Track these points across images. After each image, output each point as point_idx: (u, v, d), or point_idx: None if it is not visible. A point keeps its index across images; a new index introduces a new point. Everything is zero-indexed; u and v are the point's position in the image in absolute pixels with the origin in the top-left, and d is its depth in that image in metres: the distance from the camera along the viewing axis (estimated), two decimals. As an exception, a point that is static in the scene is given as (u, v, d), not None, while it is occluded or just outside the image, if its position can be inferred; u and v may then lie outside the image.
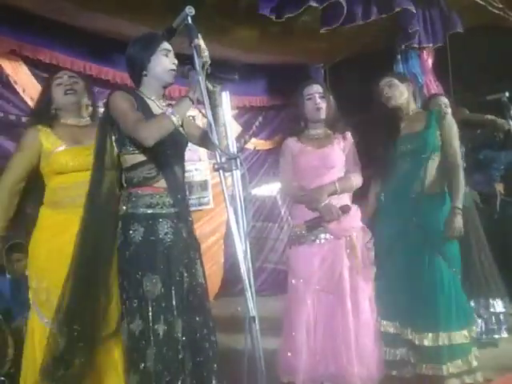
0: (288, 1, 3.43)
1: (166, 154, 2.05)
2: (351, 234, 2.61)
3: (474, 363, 2.54)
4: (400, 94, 2.73)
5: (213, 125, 1.79)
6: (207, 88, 1.90)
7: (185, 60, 1.94)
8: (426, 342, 2.52)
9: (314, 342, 2.52)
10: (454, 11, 4.28)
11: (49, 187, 2.26)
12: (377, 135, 2.81)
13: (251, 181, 5.11)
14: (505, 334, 3.25)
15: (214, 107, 1.98)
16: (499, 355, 3.03)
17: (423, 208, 2.62)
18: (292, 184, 2.71)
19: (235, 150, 1.84)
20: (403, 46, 4.36)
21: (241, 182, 1.76)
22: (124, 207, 2.03)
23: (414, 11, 3.80)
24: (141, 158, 2.02)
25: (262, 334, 1.66)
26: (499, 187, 3.72)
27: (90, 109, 2.41)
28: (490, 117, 3.59)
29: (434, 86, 4.52)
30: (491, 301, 3.24)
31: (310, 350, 2.51)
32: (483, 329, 3.21)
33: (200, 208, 4.98)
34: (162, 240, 2.00)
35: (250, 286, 1.66)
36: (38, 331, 2.16)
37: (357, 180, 2.68)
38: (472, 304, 3.09)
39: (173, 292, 1.98)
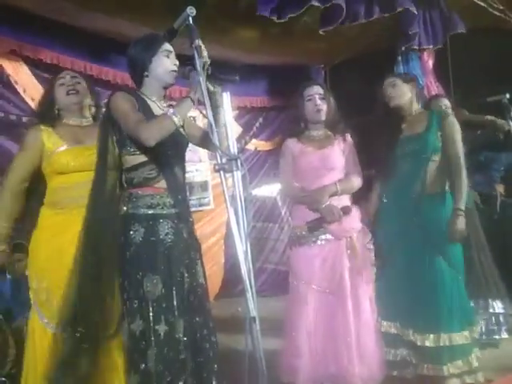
0: (289, 1, 3.44)
1: (167, 154, 2.05)
2: (352, 234, 2.61)
3: (475, 364, 2.54)
4: (402, 94, 2.72)
5: (213, 126, 1.79)
6: (208, 89, 1.90)
7: (186, 61, 1.94)
8: (428, 343, 2.52)
9: (315, 343, 2.52)
10: (454, 12, 4.28)
11: (50, 187, 2.26)
12: (379, 136, 2.81)
13: (252, 181, 5.11)
14: (505, 335, 3.25)
15: (215, 108, 1.98)
16: (500, 356, 3.03)
17: (424, 208, 2.61)
18: (292, 185, 2.71)
19: (236, 150, 1.83)
20: (403, 48, 4.36)
21: (241, 183, 1.75)
22: (124, 208, 2.03)
23: (416, 12, 3.81)
24: (141, 158, 2.03)
25: (262, 335, 1.66)
26: (499, 188, 3.72)
27: (93, 109, 2.41)
28: (489, 117, 3.59)
29: (435, 88, 4.53)
30: (490, 301, 3.24)
31: (310, 350, 2.51)
32: (483, 329, 3.21)
33: (200, 209, 4.99)
34: (163, 240, 2.00)
35: (251, 287, 1.66)
36: (39, 331, 2.16)
37: (357, 181, 2.68)
38: (471, 305, 3.09)
39: (174, 292, 1.98)
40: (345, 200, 2.65)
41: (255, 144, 5.42)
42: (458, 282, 2.61)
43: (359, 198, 2.81)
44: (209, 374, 2.02)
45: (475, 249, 3.23)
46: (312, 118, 2.69)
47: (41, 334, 2.15)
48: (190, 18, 1.85)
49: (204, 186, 5.06)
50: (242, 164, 1.75)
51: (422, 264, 2.59)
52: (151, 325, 1.92)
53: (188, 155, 2.25)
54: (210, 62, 1.89)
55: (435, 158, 2.65)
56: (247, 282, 1.66)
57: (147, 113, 2.01)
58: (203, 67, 1.86)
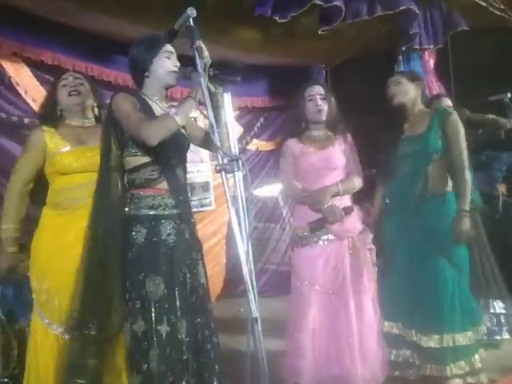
0: (290, 1, 3.43)
1: (168, 155, 2.05)
2: (353, 235, 2.61)
3: (478, 365, 2.53)
4: (405, 92, 2.70)
5: (215, 126, 1.79)
6: (209, 90, 1.90)
7: (187, 61, 1.94)
8: (432, 344, 2.50)
9: (318, 344, 2.52)
10: (455, 11, 4.28)
11: (52, 188, 2.26)
12: (380, 136, 2.81)
13: (253, 182, 5.10)
14: (506, 336, 3.24)
15: (216, 108, 1.99)
16: (501, 356, 3.01)
17: (425, 209, 2.61)
18: (293, 185, 2.70)
19: (237, 151, 1.84)
20: (404, 48, 4.36)
21: (243, 183, 1.76)
22: (126, 208, 2.03)
23: (417, 11, 3.80)
24: (143, 159, 2.03)
25: (264, 335, 1.66)
26: (501, 188, 3.72)
27: (96, 110, 2.41)
28: (491, 116, 3.58)
29: (436, 87, 4.52)
30: (491, 302, 3.24)
31: (313, 351, 2.50)
32: (484, 330, 3.20)
33: (202, 209, 4.98)
34: (165, 241, 2.00)
35: (253, 287, 1.66)
36: (40, 332, 2.17)
37: (358, 182, 2.68)
38: (477, 305, 3.08)
39: (176, 293, 1.98)
40: (346, 200, 2.65)
41: (256, 144, 5.41)
42: (459, 281, 2.59)
43: (360, 198, 2.81)
44: (210, 375, 2.02)
45: (476, 248, 3.21)
46: (313, 118, 2.68)
47: (42, 335, 2.16)
48: (191, 19, 1.85)
49: (205, 186, 5.05)
50: (243, 164, 1.75)
51: (423, 264, 2.58)
52: (153, 325, 1.92)
53: (189, 156, 2.25)
54: (212, 63, 1.90)
55: (437, 158, 2.65)
56: (249, 283, 1.66)
57: (148, 113, 2.01)
58: (204, 68, 1.86)
